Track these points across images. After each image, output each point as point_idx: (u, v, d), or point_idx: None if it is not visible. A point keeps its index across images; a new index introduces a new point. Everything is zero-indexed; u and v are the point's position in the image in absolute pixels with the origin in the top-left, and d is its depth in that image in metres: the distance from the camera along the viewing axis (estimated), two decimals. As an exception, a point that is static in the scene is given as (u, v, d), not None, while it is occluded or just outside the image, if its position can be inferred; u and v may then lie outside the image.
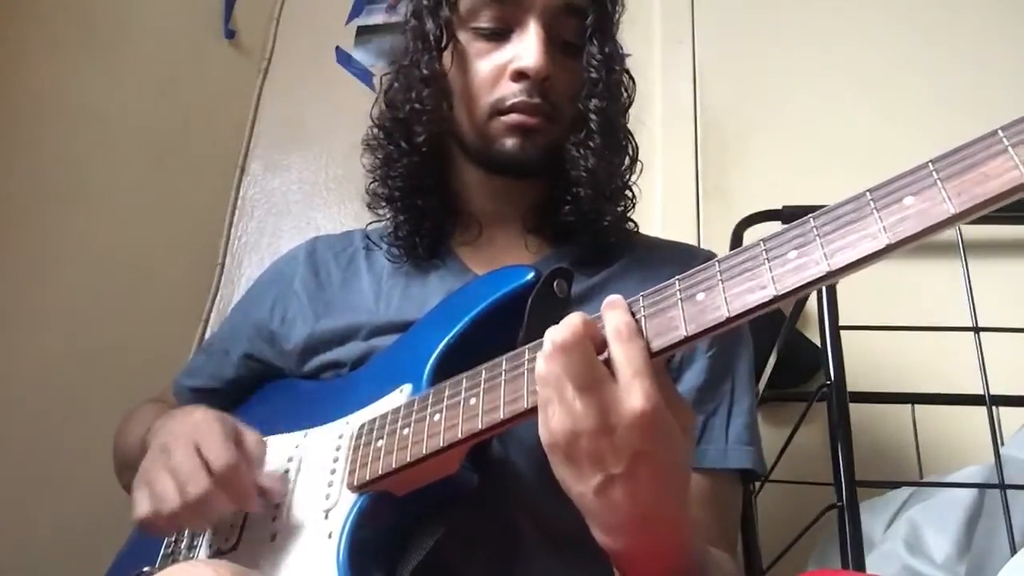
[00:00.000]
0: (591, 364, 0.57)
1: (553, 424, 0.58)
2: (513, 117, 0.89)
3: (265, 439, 0.80)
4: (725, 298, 0.55)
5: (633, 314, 0.59)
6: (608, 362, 0.57)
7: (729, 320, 0.55)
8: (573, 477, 0.60)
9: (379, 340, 0.89)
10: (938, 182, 0.48)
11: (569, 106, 0.92)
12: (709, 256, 1.00)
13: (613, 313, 0.58)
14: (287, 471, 0.81)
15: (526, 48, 0.88)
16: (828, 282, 0.52)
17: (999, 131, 0.47)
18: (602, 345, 0.58)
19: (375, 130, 0.98)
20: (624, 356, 0.56)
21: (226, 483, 0.72)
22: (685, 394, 0.87)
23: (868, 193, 0.51)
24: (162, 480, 0.73)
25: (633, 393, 0.55)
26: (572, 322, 0.58)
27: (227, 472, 0.72)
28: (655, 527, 0.61)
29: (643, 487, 0.57)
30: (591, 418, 0.56)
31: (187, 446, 0.74)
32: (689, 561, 0.66)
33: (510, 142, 0.90)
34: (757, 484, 1.09)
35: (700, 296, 0.57)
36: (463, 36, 0.92)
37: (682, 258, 0.92)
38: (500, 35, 0.91)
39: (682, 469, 0.61)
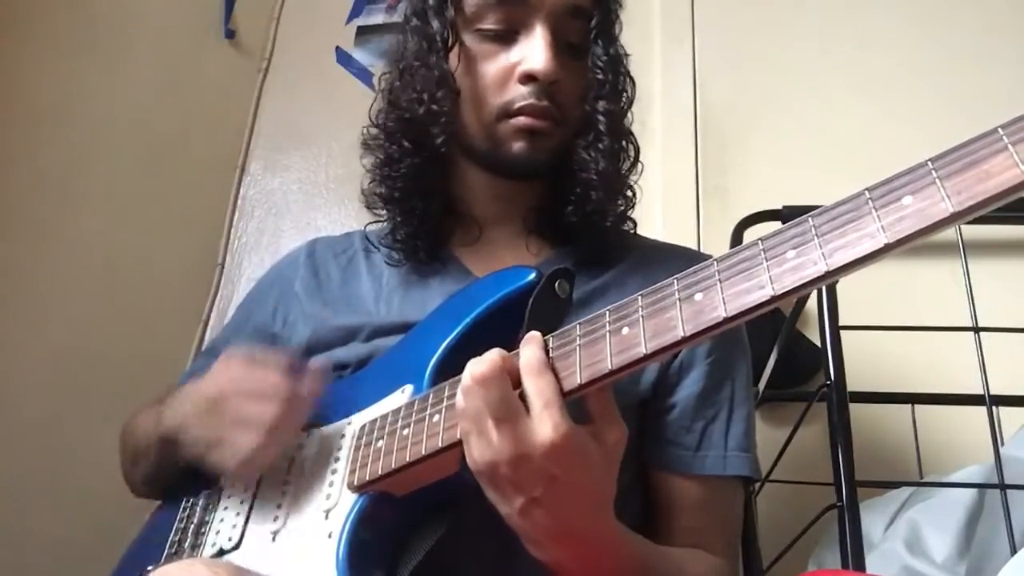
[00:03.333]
0: (506, 398, 0.61)
1: (475, 454, 0.63)
2: (521, 120, 0.89)
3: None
4: (723, 298, 0.55)
5: (548, 351, 0.63)
6: (523, 395, 0.62)
7: (727, 320, 0.55)
8: (499, 500, 0.64)
9: (380, 341, 0.89)
10: (937, 181, 0.48)
11: (576, 108, 0.92)
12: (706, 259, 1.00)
13: (527, 349, 0.63)
14: (287, 472, 0.81)
15: (534, 51, 0.88)
16: (826, 282, 0.52)
17: (999, 129, 0.46)
18: (518, 379, 0.62)
19: (375, 130, 0.98)
20: (535, 389, 0.61)
21: (285, 403, 0.75)
22: (684, 400, 0.87)
23: (866, 192, 0.51)
24: (236, 430, 0.75)
25: (543, 424, 0.59)
26: (490, 357, 0.62)
27: (280, 390, 0.76)
28: (579, 539, 0.66)
29: (562, 506, 0.63)
30: (508, 448, 0.60)
31: (234, 388, 0.77)
32: (624, 564, 0.70)
33: (518, 145, 0.90)
34: (757, 484, 1.09)
35: (698, 296, 0.57)
36: (468, 37, 0.92)
37: (683, 262, 0.92)
38: (506, 37, 0.91)
39: (601, 485, 0.65)
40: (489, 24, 0.91)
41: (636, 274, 0.94)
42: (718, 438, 0.87)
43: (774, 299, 0.53)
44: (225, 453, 0.76)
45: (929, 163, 0.49)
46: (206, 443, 0.78)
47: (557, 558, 0.66)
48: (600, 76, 0.91)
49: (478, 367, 0.62)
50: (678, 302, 0.58)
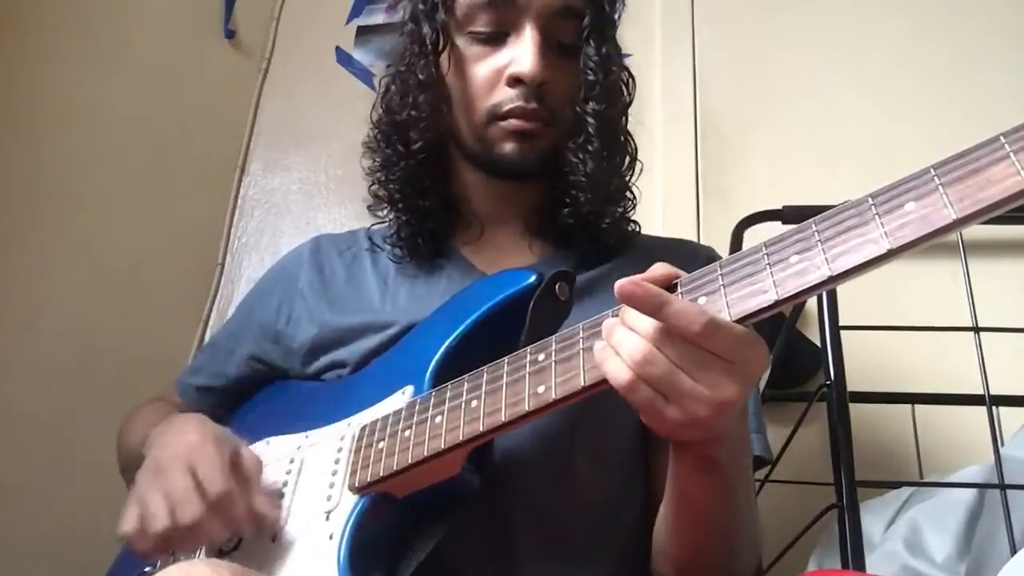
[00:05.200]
0: (688, 348, 0.57)
1: (673, 415, 0.59)
2: (511, 122, 0.89)
3: (261, 456, 0.80)
4: (727, 302, 0.55)
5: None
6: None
7: (731, 325, 0.55)
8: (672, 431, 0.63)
9: (385, 339, 0.89)
10: (940, 188, 0.48)
11: (567, 109, 0.91)
12: (709, 252, 1.01)
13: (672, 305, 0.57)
14: (288, 473, 0.81)
15: (522, 53, 0.88)
16: (830, 287, 0.52)
17: (1000, 137, 0.47)
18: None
19: (374, 132, 0.98)
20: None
21: (220, 510, 0.72)
22: None
23: (870, 198, 0.51)
24: (155, 502, 0.73)
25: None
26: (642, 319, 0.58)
27: (222, 499, 0.72)
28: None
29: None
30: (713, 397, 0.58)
31: (182, 468, 0.74)
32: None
33: (508, 147, 0.90)
34: (757, 484, 1.09)
35: (702, 300, 0.57)
36: (460, 40, 0.92)
37: (682, 255, 0.92)
38: (496, 39, 0.91)
39: None
40: (480, 27, 0.91)
41: (635, 266, 0.93)
42: None
43: (778, 303, 0.53)
44: (124, 519, 0.74)
45: (932, 170, 0.49)
46: (133, 495, 0.76)
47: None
48: (591, 77, 0.91)
49: (646, 321, 0.58)
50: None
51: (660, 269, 0.62)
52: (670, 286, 0.60)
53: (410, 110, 0.91)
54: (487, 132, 0.91)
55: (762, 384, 1.17)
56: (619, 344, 0.59)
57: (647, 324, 0.58)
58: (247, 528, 0.75)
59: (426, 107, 0.90)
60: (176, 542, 0.73)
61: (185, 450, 0.76)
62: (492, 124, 0.90)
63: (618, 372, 0.59)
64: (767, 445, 0.90)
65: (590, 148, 0.90)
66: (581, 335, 0.64)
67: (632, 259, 0.95)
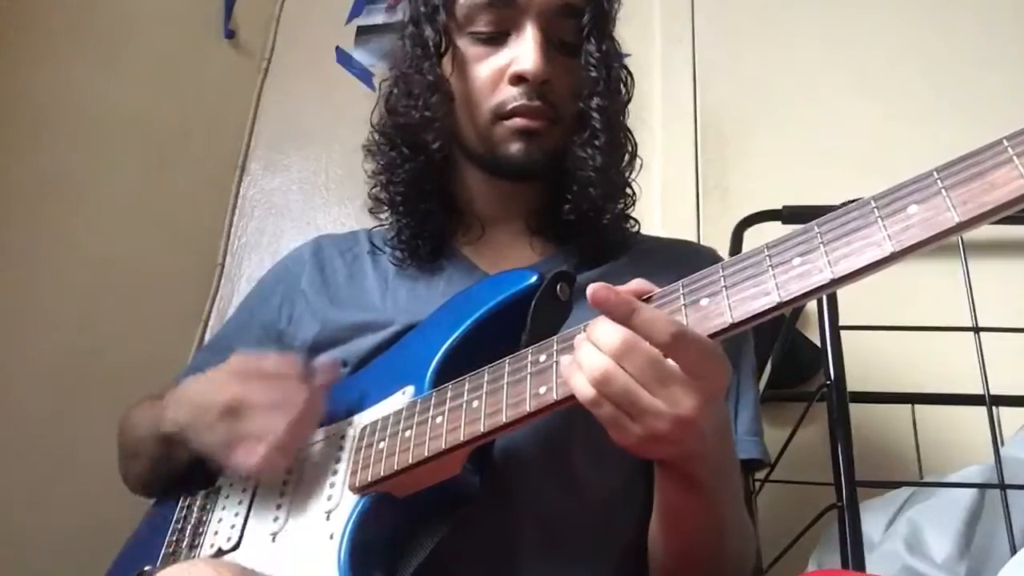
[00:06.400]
0: (654, 359, 0.58)
1: (637, 431, 0.60)
2: (516, 121, 0.89)
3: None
4: (729, 304, 0.55)
5: None
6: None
7: (733, 326, 0.55)
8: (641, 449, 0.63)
9: (385, 339, 0.89)
10: (943, 191, 0.48)
11: (570, 106, 0.91)
12: (711, 253, 1.01)
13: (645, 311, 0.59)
14: (288, 473, 0.81)
15: (523, 51, 0.88)
16: (832, 289, 0.52)
17: (1004, 140, 0.47)
18: None
19: (376, 135, 0.98)
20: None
21: (302, 404, 0.76)
22: None
23: (873, 200, 0.51)
24: (260, 420, 0.75)
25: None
26: (612, 328, 0.59)
27: (297, 396, 0.76)
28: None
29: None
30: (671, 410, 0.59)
31: (254, 386, 0.77)
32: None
33: (514, 147, 0.90)
34: (757, 484, 1.09)
35: (704, 301, 0.57)
36: (461, 41, 0.92)
37: (685, 256, 0.92)
38: (498, 39, 0.91)
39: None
40: (481, 27, 0.91)
41: (637, 267, 0.94)
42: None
43: (780, 305, 0.53)
44: (242, 458, 0.75)
45: (935, 173, 0.49)
46: (222, 446, 0.77)
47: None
48: (594, 73, 0.91)
49: (609, 337, 0.59)
50: (683, 307, 0.58)
51: (635, 284, 0.64)
52: (646, 299, 0.62)
53: (423, 111, 0.91)
54: (492, 132, 0.91)
55: (762, 384, 1.17)
56: (582, 360, 0.61)
57: (610, 340, 0.59)
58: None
59: (439, 108, 0.90)
60: (302, 435, 0.77)
61: (231, 372, 0.80)
62: (497, 124, 0.90)
63: (582, 388, 0.60)
64: (765, 448, 0.90)
65: (597, 143, 0.90)
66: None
67: (634, 260, 0.96)
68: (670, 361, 0.58)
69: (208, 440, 0.79)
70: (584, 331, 0.63)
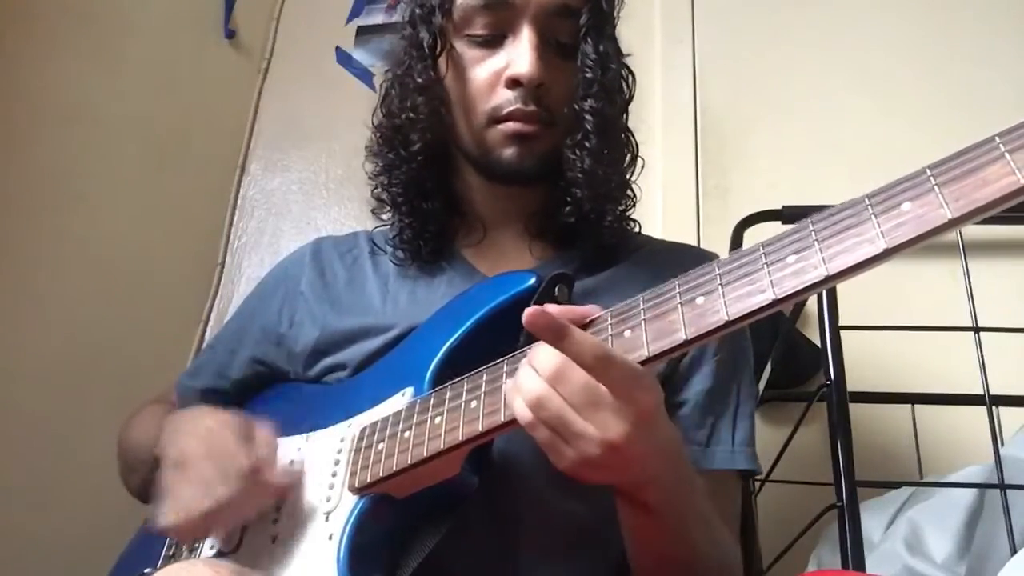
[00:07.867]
0: (588, 384, 0.60)
1: (570, 456, 0.62)
2: (510, 126, 0.88)
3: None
4: (724, 302, 0.56)
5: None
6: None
7: (728, 324, 0.55)
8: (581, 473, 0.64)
9: (386, 342, 0.89)
10: (936, 188, 0.48)
11: (566, 109, 0.91)
12: (713, 258, 1.00)
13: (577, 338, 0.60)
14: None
15: (519, 55, 0.88)
16: (827, 286, 0.52)
17: (996, 137, 0.47)
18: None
19: (375, 136, 0.98)
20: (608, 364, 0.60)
21: (249, 484, 0.74)
22: (694, 396, 0.88)
23: (866, 198, 0.51)
24: (187, 490, 0.74)
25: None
26: (549, 352, 0.61)
27: (248, 474, 0.74)
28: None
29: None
30: (601, 435, 0.60)
31: (205, 457, 0.75)
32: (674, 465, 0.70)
33: (508, 152, 0.89)
34: (757, 484, 1.09)
35: (700, 300, 0.57)
36: (458, 44, 0.92)
37: (686, 260, 0.92)
38: (494, 41, 0.90)
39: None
40: (477, 29, 0.91)
41: (640, 273, 0.94)
42: (726, 434, 0.88)
43: (775, 303, 0.53)
44: (159, 512, 0.74)
45: (928, 170, 0.49)
46: (163, 490, 0.77)
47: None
48: (589, 75, 0.90)
49: (546, 361, 0.61)
50: (679, 305, 0.58)
51: (581, 309, 0.66)
52: (583, 324, 0.64)
53: (408, 113, 0.91)
54: (486, 135, 0.90)
55: (762, 384, 1.17)
56: (521, 383, 0.62)
57: (546, 364, 0.61)
58: (275, 500, 0.78)
59: (424, 109, 0.90)
60: (219, 521, 0.74)
61: (205, 436, 0.78)
62: (491, 127, 0.90)
63: (520, 411, 0.62)
64: (755, 458, 0.90)
65: (587, 145, 0.89)
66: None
67: (636, 263, 0.95)
68: (603, 386, 0.60)
69: (161, 477, 0.78)
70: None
